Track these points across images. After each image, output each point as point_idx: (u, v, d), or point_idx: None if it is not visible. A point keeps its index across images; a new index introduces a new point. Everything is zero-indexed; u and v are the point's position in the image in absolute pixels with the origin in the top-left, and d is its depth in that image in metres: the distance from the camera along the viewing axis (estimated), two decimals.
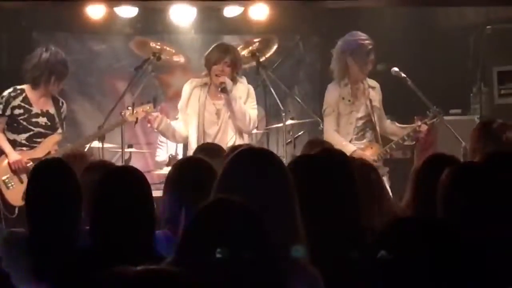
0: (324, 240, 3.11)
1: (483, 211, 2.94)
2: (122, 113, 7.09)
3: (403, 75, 6.96)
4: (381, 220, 4.13)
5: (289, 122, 7.70)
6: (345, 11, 8.88)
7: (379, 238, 2.25)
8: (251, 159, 2.90)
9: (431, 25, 9.07)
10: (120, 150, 7.34)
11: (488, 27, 8.27)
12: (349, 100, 6.99)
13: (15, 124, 7.02)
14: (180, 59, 8.37)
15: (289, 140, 7.82)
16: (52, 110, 7.12)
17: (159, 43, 7.80)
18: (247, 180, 2.79)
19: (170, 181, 3.88)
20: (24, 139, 7.01)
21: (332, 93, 7.06)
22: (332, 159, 3.73)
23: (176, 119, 7.14)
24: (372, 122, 7.06)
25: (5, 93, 7.07)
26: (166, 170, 7.70)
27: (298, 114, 8.24)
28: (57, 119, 7.12)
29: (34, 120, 7.04)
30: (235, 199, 2.53)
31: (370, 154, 6.82)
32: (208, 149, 5.22)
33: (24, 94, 7.06)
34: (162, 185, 8.11)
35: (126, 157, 7.49)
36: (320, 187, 3.28)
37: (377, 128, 7.08)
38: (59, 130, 7.13)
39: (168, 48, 7.95)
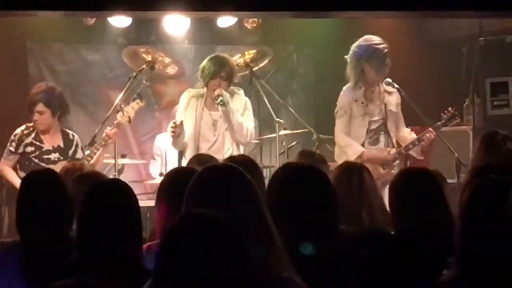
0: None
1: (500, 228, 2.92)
2: (115, 122, 7.12)
3: (396, 86, 6.95)
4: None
5: (282, 132, 7.70)
6: (338, 23, 8.91)
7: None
8: (215, 175, 2.89)
9: (424, 36, 9.09)
10: (113, 160, 7.33)
11: (481, 38, 8.29)
12: (362, 103, 6.92)
13: (27, 162, 6.96)
14: (173, 69, 8.38)
15: (282, 151, 7.83)
16: (63, 144, 7.08)
17: (150, 51, 7.81)
18: (213, 195, 2.78)
19: (162, 192, 3.86)
20: None
21: (345, 96, 7.01)
22: (306, 169, 3.72)
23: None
24: (386, 126, 7.01)
25: (18, 130, 7.02)
26: (159, 180, 7.70)
27: (291, 124, 8.25)
28: (69, 153, 7.06)
29: (45, 157, 6.99)
30: (207, 212, 2.48)
31: (379, 157, 6.79)
32: (202, 160, 5.21)
33: (35, 131, 7.03)
34: (155, 195, 8.14)
35: (119, 167, 7.47)
36: (292, 197, 3.29)
37: (391, 133, 7.01)
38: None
39: (160, 58, 7.96)
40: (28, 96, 7.09)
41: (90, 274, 3.12)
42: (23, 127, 7.05)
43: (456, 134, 7.48)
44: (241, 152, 6.92)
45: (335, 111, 7.05)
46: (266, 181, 8.87)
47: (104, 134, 7.02)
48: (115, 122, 7.09)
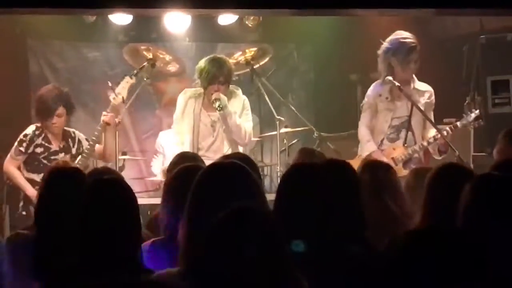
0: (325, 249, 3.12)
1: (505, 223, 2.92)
2: (104, 113, 7.06)
3: (397, 84, 6.94)
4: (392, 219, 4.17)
5: (283, 130, 7.70)
6: (339, 21, 8.90)
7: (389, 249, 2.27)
8: (220, 173, 2.89)
9: (425, 34, 9.07)
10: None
11: (482, 36, 8.28)
12: (387, 98, 6.90)
13: (36, 163, 6.92)
14: (174, 67, 8.38)
15: (283, 149, 7.82)
16: (67, 144, 7.04)
17: (151, 49, 7.80)
18: (218, 193, 2.78)
19: (169, 189, 3.86)
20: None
21: (372, 90, 7.02)
22: (331, 169, 3.72)
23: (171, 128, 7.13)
24: (410, 123, 6.93)
25: (29, 131, 6.95)
26: (160, 177, 7.69)
27: (292, 122, 8.25)
28: (73, 151, 7.02)
29: (53, 157, 6.92)
30: (255, 206, 2.53)
31: (387, 155, 6.76)
32: (185, 158, 5.18)
33: (44, 133, 6.97)
34: (155, 192, 8.16)
35: (120, 164, 7.46)
36: (318, 196, 3.28)
37: (417, 130, 6.94)
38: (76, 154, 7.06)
39: (161, 55, 7.95)
40: (39, 100, 6.98)
41: (89, 272, 3.14)
42: (33, 127, 6.98)
43: (457, 132, 7.46)
44: (240, 151, 6.92)
45: (361, 104, 7.06)
46: (267, 179, 8.94)
47: (101, 121, 6.98)
48: (109, 106, 7.06)
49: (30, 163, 6.94)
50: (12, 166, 6.95)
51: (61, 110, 6.93)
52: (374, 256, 3.17)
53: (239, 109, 6.89)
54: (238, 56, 8.03)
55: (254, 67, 7.89)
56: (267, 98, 7.81)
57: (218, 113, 6.80)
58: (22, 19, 8.64)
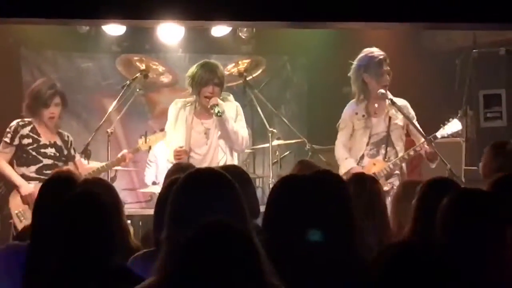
0: (314, 263, 3.10)
1: (481, 238, 2.94)
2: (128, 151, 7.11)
3: (390, 96, 6.96)
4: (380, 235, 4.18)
5: (275, 142, 7.71)
6: (332, 33, 8.93)
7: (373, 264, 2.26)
8: (198, 181, 2.86)
9: (418, 48, 9.11)
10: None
11: (474, 50, 8.32)
12: (363, 116, 6.92)
13: (24, 155, 6.87)
14: (167, 78, 8.39)
15: (275, 160, 7.83)
16: (59, 142, 7.02)
17: (144, 60, 7.82)
18: (192, 205, 2.77)
19: (162, 201, 3.85)
20: (33, 171, 6.81)
21: (347, 109, 7.04)
22: (323, 180, 3.72)
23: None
24: (389, 139, 6.95)
25: (13, 122, 6.94)
26: (151, 188, 7.69)
27: (284, 134, 8.25)
28: (65, 151, 7.03)
29: (42, 150, 6.91)
30: (230, 222, 2.47)
31: (368, 170, 6.76)
32: (183, 169, 5.18)
33: (32, 125, 6.95)
34: (147, 204, 8.14)
35: (112, 175, 7.46)
36: (310, 208, 3.27)
37: (397, 146, 6.94)
38: (70, 162, 7.04)
39: (154, 66, 7.96)
40: (34, 92, 6.95)
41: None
42: (18, 120, 6.97)
43: (448, 145, 7.49)
44: (235, 159, 6.92)
45: (338, 123, 7.07)
46: (259, 191, 8.93)
47: (120, 155, 7.05)
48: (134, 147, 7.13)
49: (19, 156, 6.89)
50: (2, 161, 6.87)
51: (58, 99, 6.96)
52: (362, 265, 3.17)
53: (233, 114, 6.86)
54: (231, 68, 8.04)
55: (247, 78, 7.91)
56: (259, 110, 7.82)
57: (214, 119, 6.75)
58: (15, 28, 8.64)
